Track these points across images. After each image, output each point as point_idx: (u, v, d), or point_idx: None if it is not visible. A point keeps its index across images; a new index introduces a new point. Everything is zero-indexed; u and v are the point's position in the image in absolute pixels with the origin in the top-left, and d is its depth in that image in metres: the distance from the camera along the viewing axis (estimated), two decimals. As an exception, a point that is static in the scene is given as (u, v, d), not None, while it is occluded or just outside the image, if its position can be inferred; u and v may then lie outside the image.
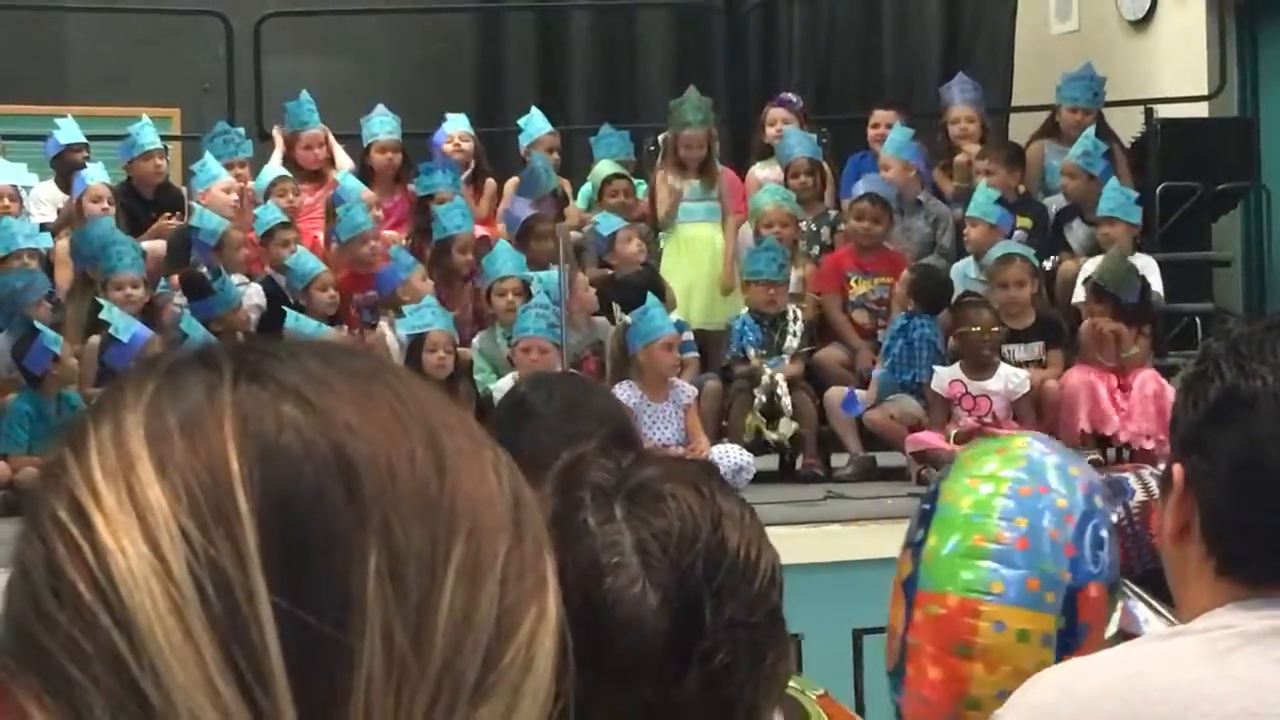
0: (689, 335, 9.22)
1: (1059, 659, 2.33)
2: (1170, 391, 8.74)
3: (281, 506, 0.83)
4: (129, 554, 0.82)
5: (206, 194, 9.64)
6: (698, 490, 1.68)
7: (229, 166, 10.01)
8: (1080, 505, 2.44)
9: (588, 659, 1.60)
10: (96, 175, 9.68)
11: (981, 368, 8.88)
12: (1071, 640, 2.38)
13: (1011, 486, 2.46)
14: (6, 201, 9.55)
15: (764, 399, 8.88)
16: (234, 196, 9.66)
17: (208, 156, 9.93)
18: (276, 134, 10.41)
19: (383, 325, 9.18)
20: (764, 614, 1.65)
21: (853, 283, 9.61)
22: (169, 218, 9.84)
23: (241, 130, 10.30)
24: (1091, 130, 10.15)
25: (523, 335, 8.60)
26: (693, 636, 1.61)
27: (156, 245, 9.46)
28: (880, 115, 10.70)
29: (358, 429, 0.86)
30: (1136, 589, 2.68)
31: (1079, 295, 9.39)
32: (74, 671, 0.82)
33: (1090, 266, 9.41)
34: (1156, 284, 9.50)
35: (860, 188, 9.81)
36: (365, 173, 10.28)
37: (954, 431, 8.73)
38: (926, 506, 2.56)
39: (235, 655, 0.81)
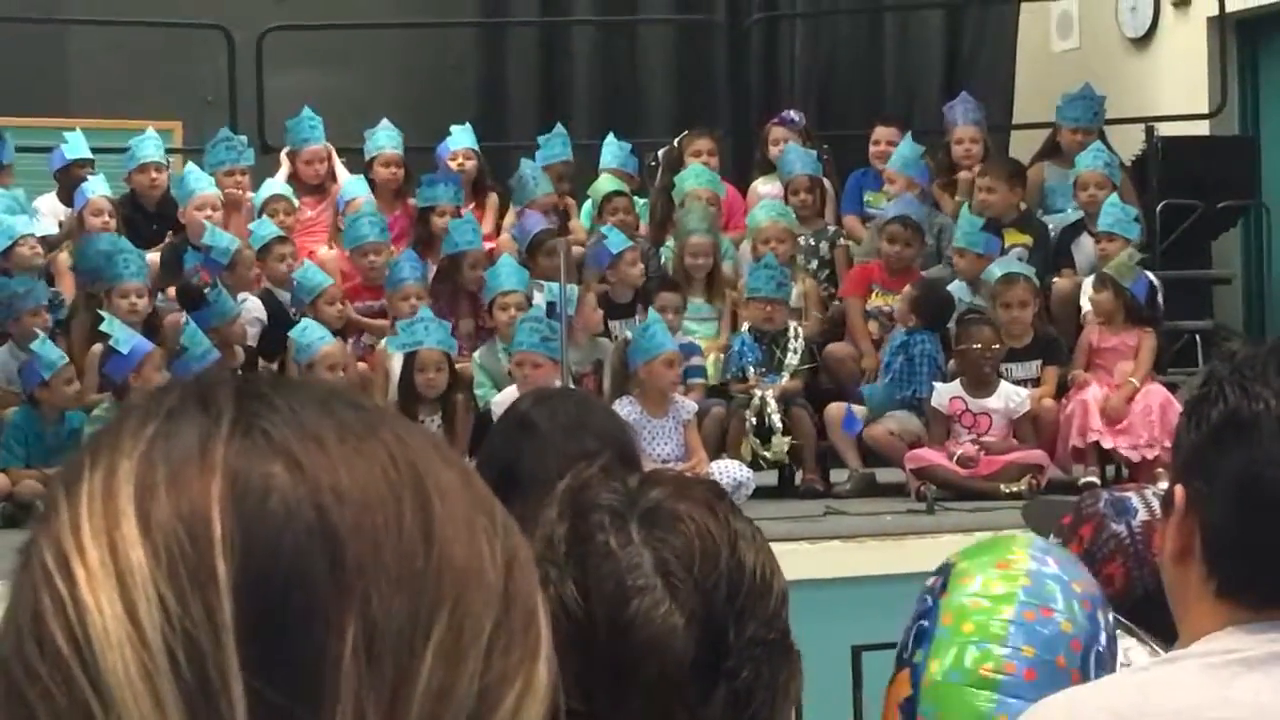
0: (698, 360, 9.21)
1: None
2: (1167, 396, 8.79)
3: (261, 576, 0.82)
4: (106, 615, 0.81)
5: (184, 213, 9.62)
6: (711, 511, 1.69)
7: (230, 173, 10.02)
8: (1085, 628, 2.40)
9: (616, 682, 1.61)
10: (97, 188, 9.69)
11: (982, 385, 8.88)
12: None
13: (1016, 610, 2.41)
14: None
15: (754, 420, 8.87)
16: (207, 212, 9.61)
17: (188, 171, 9.90)
18: (283, 157, 10.40)
19: (384, 344, 9.18)
20: (778, 632, 1.67)
21: (874, 294, 9.62)
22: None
23: (244, 138, 10.31)
24: (1101, 144, 10.18)
25: (518, 350, 8.61)
26: (719, 656, 1.62)
27: (153, 258, 9.47)
28: (881, 132, 10.71)
29: (346, 494, 0.84)
30: (1122, 620, 2.67)
31: (1087, 306, 9.40)
32: None
33: (1090, 284, 9.42)
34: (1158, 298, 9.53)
35: (892, 209, 9.80)
36: (369, 186, 10.30)
37: (956, 453, 8.73)
38: (924, 623, 2.49)
39: None
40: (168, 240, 9.72)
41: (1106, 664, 2.40)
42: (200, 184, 9.76)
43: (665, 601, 1.61)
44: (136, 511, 0.83)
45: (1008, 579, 2.45)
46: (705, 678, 1.61)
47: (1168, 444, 8.59)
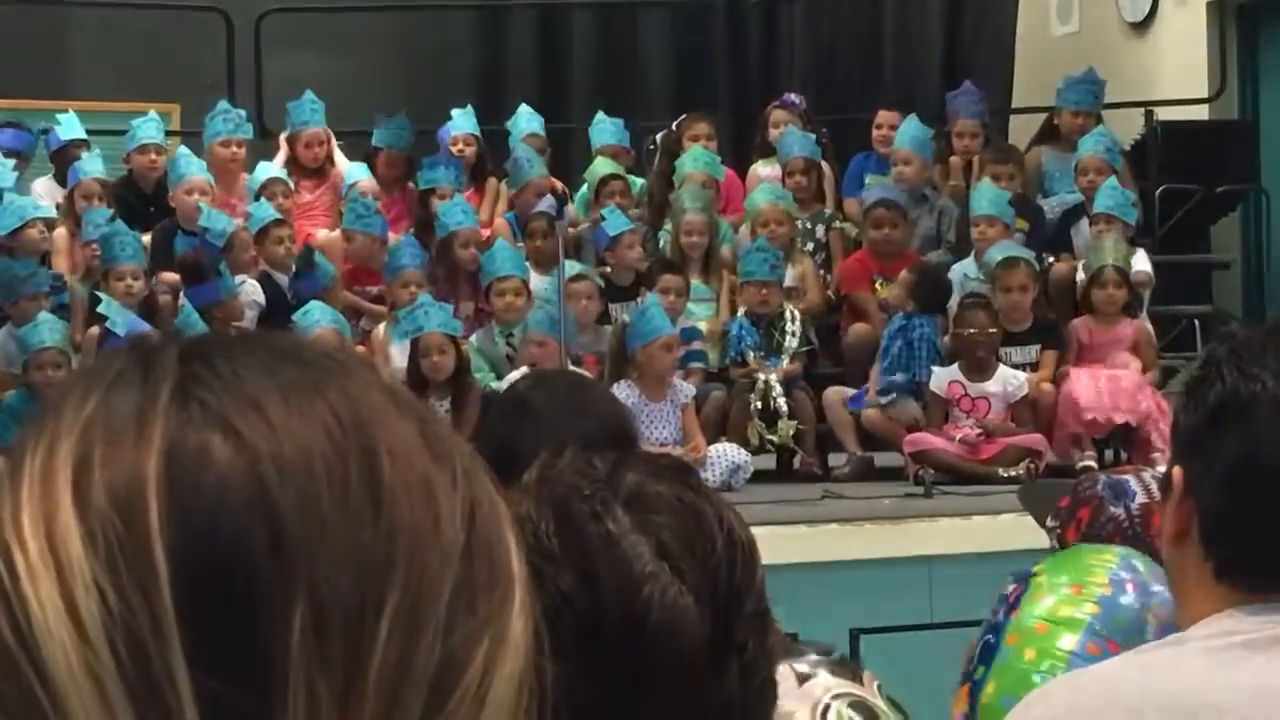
0: (698, 345, 9.21)
1: None
2: (1148, 388, 8.79)
3: (200, 562, 0.79)
4: (47, 610, 0.79)
5: (173, 197, 9.62)
6: (691, 488, 1.69)
7: (226, 144, 10.04)
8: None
9: (633, 671, 1.61)
10: (91, 168, 9.67)
11: (979, 369, 8.88)
12: None
13: (1080, 642, 2.35)
14: None
15: (759, 404, 8.88)
16: (196, 196, 9.62)
17: (180, 154, 9.90)
18: (282, 141, 10.40)
19: (379, 329, 9.16)
20: (765, 600, 1.68)
21: (878, 286, 9.63)
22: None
23: (242, 112, 10.31)
24: (1103, 129, 10.18)
25: (536, 328, 8.66)
26: (729, 632, 1.63)
27: (148, 240, 9.47)
28: (884, 116, 10.70)
29: (287, 464, 0.81)
30: None
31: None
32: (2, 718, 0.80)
33: (1083, 268, 9.43)
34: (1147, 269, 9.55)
35: (871, 195, 9.81)
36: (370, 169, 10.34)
37: (958, 437, 8.72)
38: (990, 639, 2.44)
39: None
40: (160, 225, 9.71)
41: None
42: (191, 168, 9.76)
43: (674, 584, 1.61)
44: (73, 496, 0.81)
45: (1077, 603, 2.38)
46: (719, 655, 1.62)
47: (1163, 425, 8.63)
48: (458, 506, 0.84)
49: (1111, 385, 8.80)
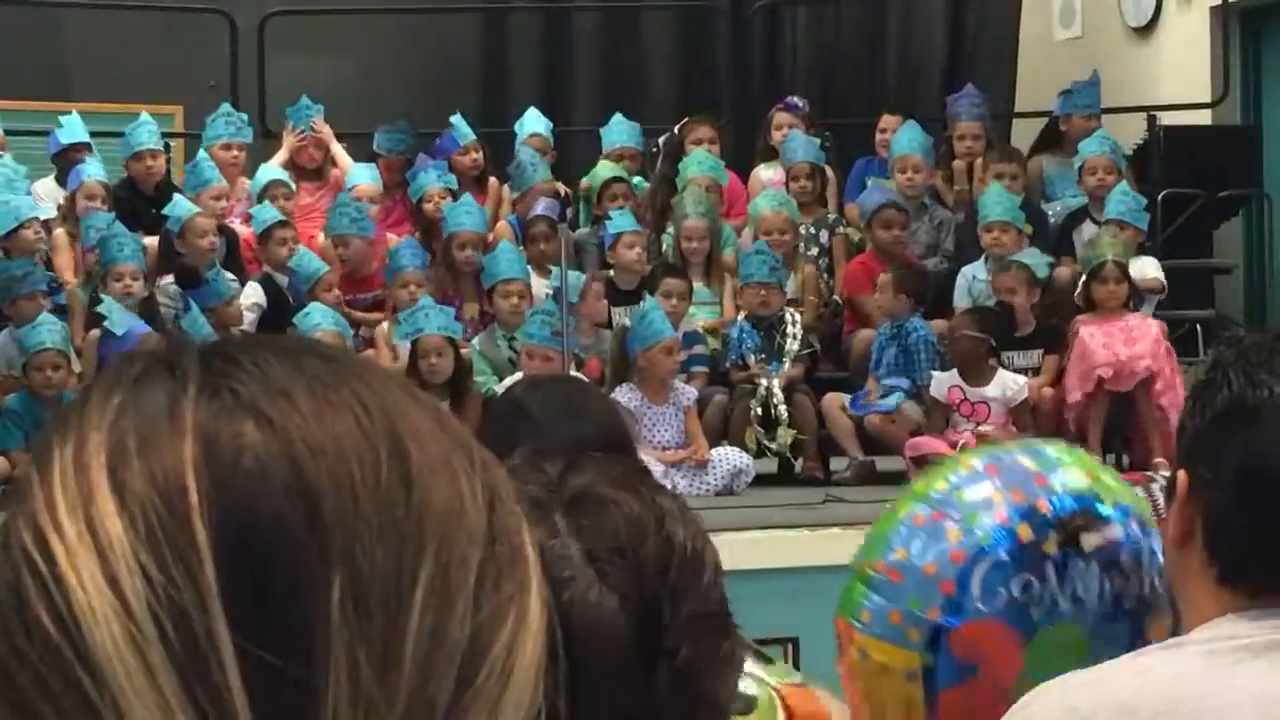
0: (700, 349, 9.21)
1: (931, 696, 2.25)
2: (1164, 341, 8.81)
3: (240, 538, 0.81)
4: (89, 590, 0.80)
5: (197, 199, 9.62)
6: (636, 492, 1.69)
7: (227, 148, 10.06)
8: (980, 540, 2.25)
9: (559, 671, 1.61)
10: (93, 171, 9.67)
11: (977, 374, 8.87)
12: (945, 678, 2.24)
13: (910, 512, 2.33)
14: None
15: (759, 410, 8.87)
16: (222, 203, 9.65)
17: (200, 159, 9.92)
18: (286, 136, 10.41)
19: (383, 328, 9.15)
20: (715, 604, 1.66)
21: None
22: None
23: (244, 115, 10.31)
24: (1105, 132, 10.19)
25: (528, 341, 8.62)
26: (656, 635, 1.62)
27: (152, 243, 9.46)
28: (888, 120, 10.70)
29: (319, 447, 0.84)
30: None
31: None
32: (43, 706, 0.81)
33: (1082, 265, 9.43)
34: (1160, 276, 9.55)
35: (874, 198, 9.80)
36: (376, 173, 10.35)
37: (960, 442, 8.70)
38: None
39: (198, 695, 0.80)
40: (166, 228, 9.70)
41: (1016, 583, 2.24)
42: (209, 175, 9.79)
43: (595, 586, 1.61)
44: (110, 482, 0.83)
45: (933, 479, 2.37)
46: (645, 658, 1.61)
47: (1169, 369, 8.65)
48: (479, 490, 0.88)
49: (1124, 335, 8.82)
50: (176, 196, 9.49)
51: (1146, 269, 9.41)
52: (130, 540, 0.81)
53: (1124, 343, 8.81)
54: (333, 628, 0.81)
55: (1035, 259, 9.28)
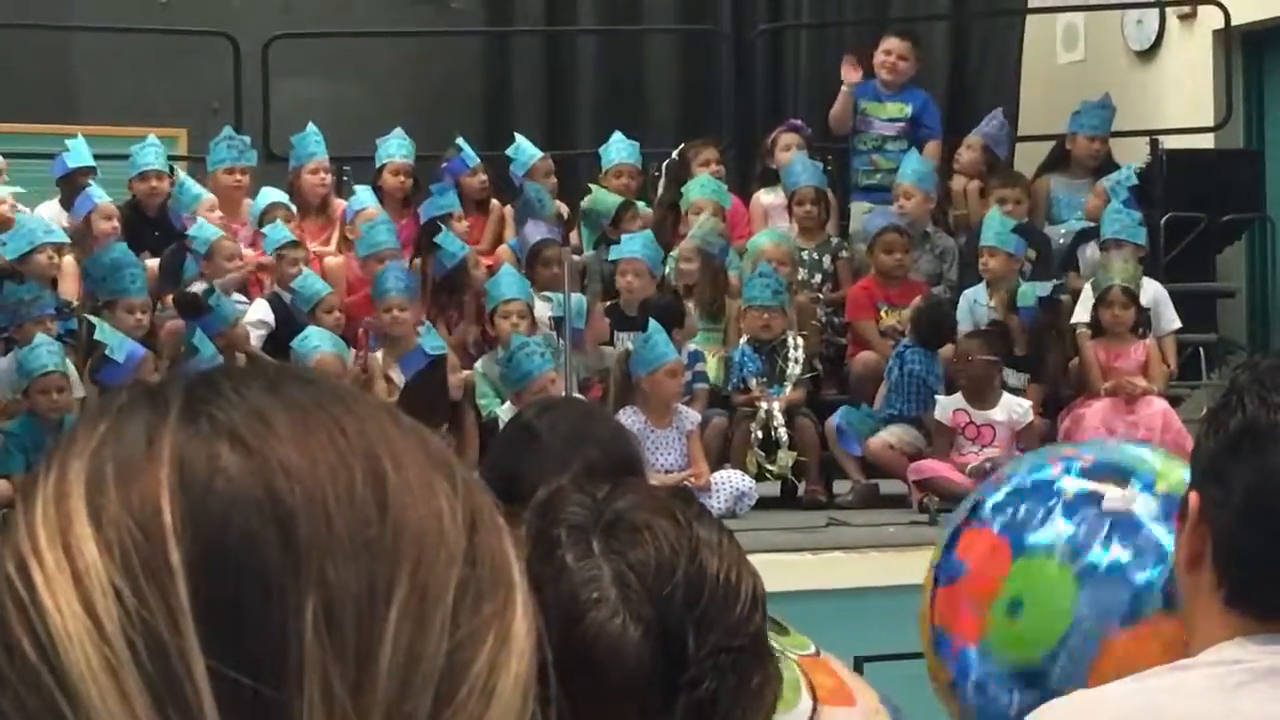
0: (701, 367, 9.20)
1: (935, 589, 2.38)
2: (1183, 430, 8.78)
3: (214, 560, 0.82)
4: (65, 614, 0.82)
5: (190, 219, 9.61)
6: (674, 519, 1.68)
7: (230, 172, 10.06)
8: (1023, 473, 2.41)
9: (576, 695, 1.61)
10: (100, 195, 9.68)
11: (982, 397, 8.87)
12: (945, 573, 2.40)
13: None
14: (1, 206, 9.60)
15: (759, 434, 8.87)
16: (218, 214, 9.66)
17: (183, 180, 9.89)
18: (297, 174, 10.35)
19: (374, 360, 9.11)
20: (747, 638, 1.65)
21: (883, 313, 9.63)
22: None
23: (246, 139, 10.31)
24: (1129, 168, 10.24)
25: (528, 380, 8.50)
26: (677, 666, 1.61)
27: (152, 265, 9.46)
28: (893, 43, 10.83)
29: (294, 470, 0.85)
30: None
31: (1081, 315, 9.39)
32: None
33: (1090, 289, 9.43)
34: (1170, 312, 9.51)
35: (877, 222, 9.83)
36: (375, 194, 10.28)
37: (969, 466, 8.68)
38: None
39: (171, 716, 0.81)
40: (170, 249, 9.70)
41: (1024, 509, 2.37)
42: (198, 189, 9.82)
43: (620, 613, 1.61)
44: (88, 509, 0.84)
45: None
46: (665, 688, 1.60)
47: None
48: (459, 511, 0.88)
49: (1127, 421, 8.80)
50: (200, 219, 9.48)
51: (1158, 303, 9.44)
52: (106, 565, 0.82)
53: (1126, 426, 8.77)
54: (306, 648, 0.82)
55: (1026, 287, 9.30)
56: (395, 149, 10.34)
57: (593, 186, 10.42)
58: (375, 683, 0.83)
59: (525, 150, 10.42)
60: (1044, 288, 9.31)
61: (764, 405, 8.90)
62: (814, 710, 2.12)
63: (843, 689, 2.27)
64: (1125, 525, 2.30)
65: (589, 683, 1.59)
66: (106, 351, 8.43)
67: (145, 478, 0.84)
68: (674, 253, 9.89)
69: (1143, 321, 9.24)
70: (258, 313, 9.28)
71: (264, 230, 9.68)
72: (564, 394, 8.05)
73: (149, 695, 0.81)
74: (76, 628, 0.81)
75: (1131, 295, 9.08)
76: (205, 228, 9.41)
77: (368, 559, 0.84)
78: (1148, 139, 11.08)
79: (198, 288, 9.07)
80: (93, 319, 8.69)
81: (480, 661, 0.86)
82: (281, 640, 0.82)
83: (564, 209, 10.40)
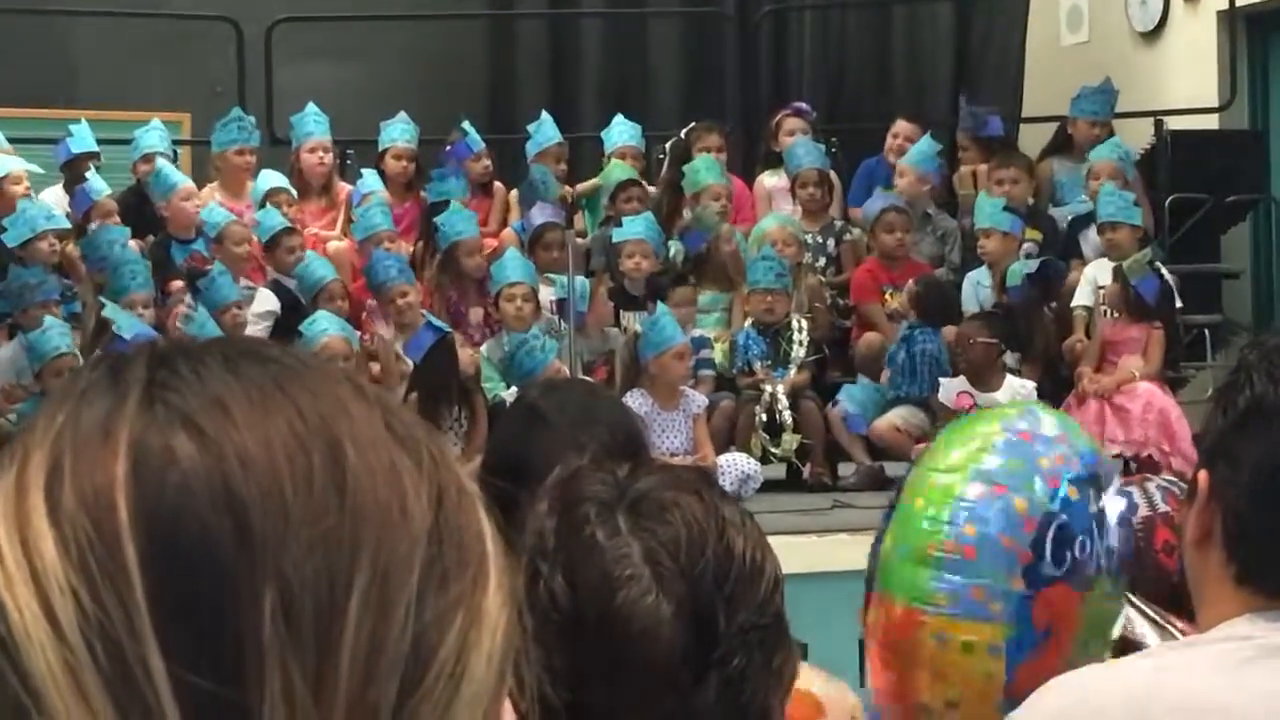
0: (707, 353, 9.20)
1: (1012, 666, 2.29)
2: (1170, 404, 8.78)
3: (168, 554, 0.81)
4: (25, 615, 0.81)
5: (168, 205, 9.57)
6: (700, 498, 1.69)
7: (240, 153, 10.04)
8: (1043, 505, 2.32)
9: (607, 672, 1.61)
10: (98, 188, 9.64)
11: (985, 379, 8.87)
12: (1026, 646, 2.29)
13: (965, 487, 2.36)
14: (15, 186, 9.57)
15: (764, 416, 8.87)
16: (194, 202, 9.61)
17: (160, 167, 9.78)
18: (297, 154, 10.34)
19: (382, 341, 9.10)
20: (771, 616, 1.66)
21: (888, 296, 9.62)
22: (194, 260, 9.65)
23: (253, 119, 10.29)
24: (1118, 139, 10.19)
25: (533, 377, 8.47)
26: (708, 644, 1.62)
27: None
28: (902, 127, 10.67)
29: (251, 459, 0.83)
30: (1136, 602, 2.65)
31: (1082, 299, 9.39)
32: None
33: (1093, 269, 9.42)
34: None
35: (877, 204, 9.82)
36: (380, 178, 10.28)
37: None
38: (893, 498, 2.50)
39: (132, 717, 0.80)
40: (151, 239, 9.66)
41: (1079, 545, 2.30)
42: (175, 177, 9.76)
43: (652, 591, 1.61)
44: (46, 505, 0.83)
45: (975, 452, 2.39)
46: (696, 665, 1.61)
47: (1165, 447, 8.61)
48: (425, 489, 0.86)
49: (1120, 418, 8.80)
50: (211, 204, 9.45)
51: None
52: (63, 565, 0.81)
53: (1115, 422, 8.77)
54: (265, 643, 0.81)
55: (1016, 265, 9.30)
56: (398, 134, 10.33)
57: (613, 160, 10.39)
58: (338, 675, 0.82)
59: (546, 131, 10.39)
60: (1030, 265, 9.30)
61: (768, 388, 8.90)
62: None
63: (811, 704, 2.26)
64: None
65: (622, 660, 1.59)
66: (115, 330, 8.44)
67: (101, 469, 0.83)
68: (676, 236, 9.90)
69: (1153, 314, 9.20)
70: (264, 304, 9.25)
71: (258, 216, 9.67)
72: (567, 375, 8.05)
73: (109, 696, 0.80)
74: (36, 630, 0.80)
75: (1123, 277, 9.09)
76: (216, 211, 9.39)
77: (326, 549, 0.82)
78: (1152, 120, 11.07)
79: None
80: (102, 300, 8.70)
81: (449, 644, 0.85)
82: (239, 636, 0.81)
83: (569, 191, 10.40)
